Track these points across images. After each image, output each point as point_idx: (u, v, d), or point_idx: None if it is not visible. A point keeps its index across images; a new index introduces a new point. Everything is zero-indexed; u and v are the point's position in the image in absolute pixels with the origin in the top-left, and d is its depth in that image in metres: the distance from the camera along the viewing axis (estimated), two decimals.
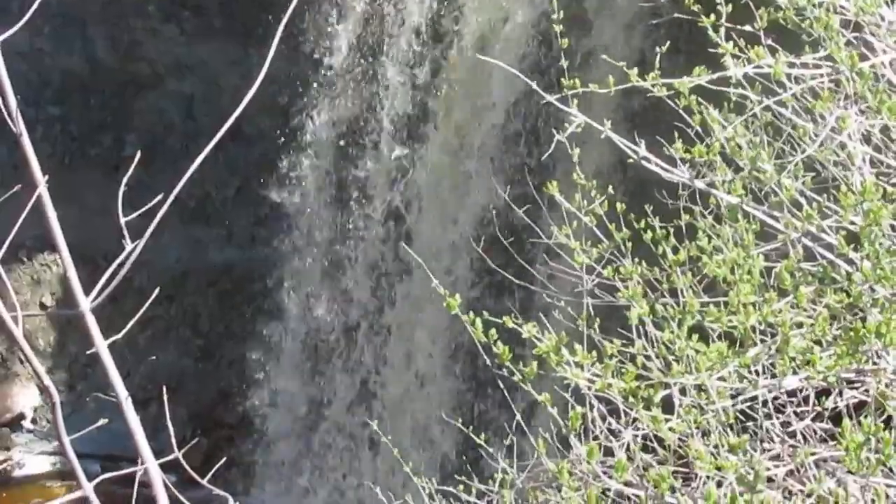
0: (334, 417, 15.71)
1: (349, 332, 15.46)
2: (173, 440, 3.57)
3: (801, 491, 4.65)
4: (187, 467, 3.48)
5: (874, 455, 4.21)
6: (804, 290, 4.70)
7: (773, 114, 5.41)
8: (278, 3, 12.95)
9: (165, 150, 16.19)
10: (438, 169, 14.49)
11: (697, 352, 4.66)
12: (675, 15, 6.12)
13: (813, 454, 4.71)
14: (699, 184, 5.28)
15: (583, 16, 12.44)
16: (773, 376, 4.68)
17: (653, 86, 5.36)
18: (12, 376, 17.28)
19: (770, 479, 4.72)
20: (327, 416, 15.79)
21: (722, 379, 4.66)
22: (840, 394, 4.89)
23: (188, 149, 16.11)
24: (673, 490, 4.52)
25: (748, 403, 4.80)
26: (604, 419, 5.14)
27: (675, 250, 5.17)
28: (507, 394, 5.88)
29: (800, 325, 4.71)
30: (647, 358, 4.87)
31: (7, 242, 3.40)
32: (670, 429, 4.66)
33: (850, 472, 4.38)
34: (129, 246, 3.12)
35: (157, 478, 2.96)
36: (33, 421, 17.33)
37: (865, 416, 4.37)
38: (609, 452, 4.96)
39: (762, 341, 4.69)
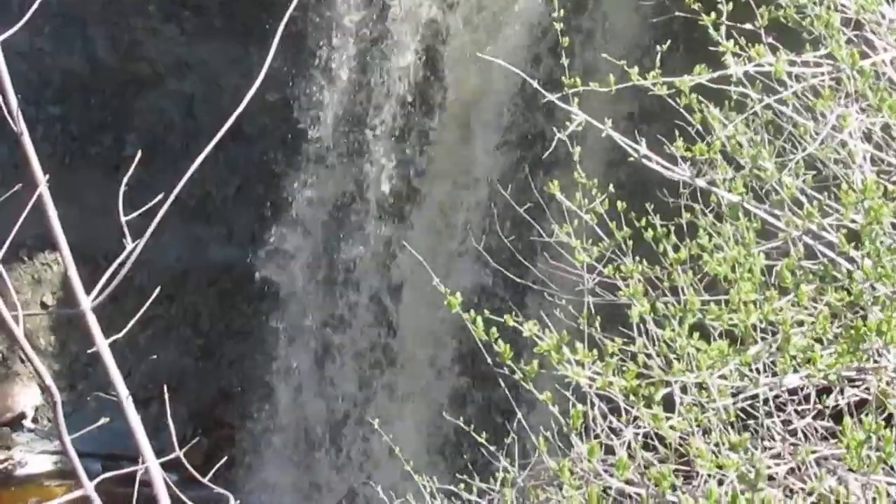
0: None
1: (337, 425, 15.43)
2: (174, 439, 3.57)
3: (802, 489, 4.64)
4: (188, 466, 3.49)
5: (875, 453, 4.20)
6: (805, 288, 4.70)
7: (773, 112, 5.40)
8: (279, 3, 12.95)
9: (166, 149, 16.19)
10: (423, 251, 14.39)
11: (698, 350, 4.66)
12: (676, 13, 6.12)
13: (814, 452, 4.71)
14: (700, 182, 5.28)
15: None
16: (774, 374, 4.68)
17: (653, 84, 5.36)
18: (13, 375, 17.29)
19: (771, 478, 4.72)
20: None
21: (723, 377, 4.66)
22: (841, 392, 4.89)
23: (188, 148, 16.12)
24: (674, 488, 4.52)
25: (749, 401, 4.80)
26: (605, 417, 5.14)
27: (676, 248, 5.17)
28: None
29: (801, 324, 4.71)
30: (648, 356, 4.87)
31: (8, 241, 3.40)
32: (671, 427, 4.66)
33: (851, 470, 4.38)
34: (129, 245, 3.12)
35: (158, 477, 2.96)
36: (34, 420, 17.34)
37: (866, 415, 4.37)
38: (610, 451, 4.96)
39: (763, 339, 4.69)
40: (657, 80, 5.36)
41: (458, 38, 13.80)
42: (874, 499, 4.30)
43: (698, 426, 4.67)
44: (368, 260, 14.94)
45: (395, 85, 14.36)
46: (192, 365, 17.04)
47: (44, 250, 16.98)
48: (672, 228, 5.33)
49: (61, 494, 3.51)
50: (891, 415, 4.59)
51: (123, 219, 3.19)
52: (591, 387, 4.85)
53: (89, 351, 3.03)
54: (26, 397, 17.32)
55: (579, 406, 4.86)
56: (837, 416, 4.71)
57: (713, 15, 5.45)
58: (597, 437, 5.08)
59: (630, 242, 5.48)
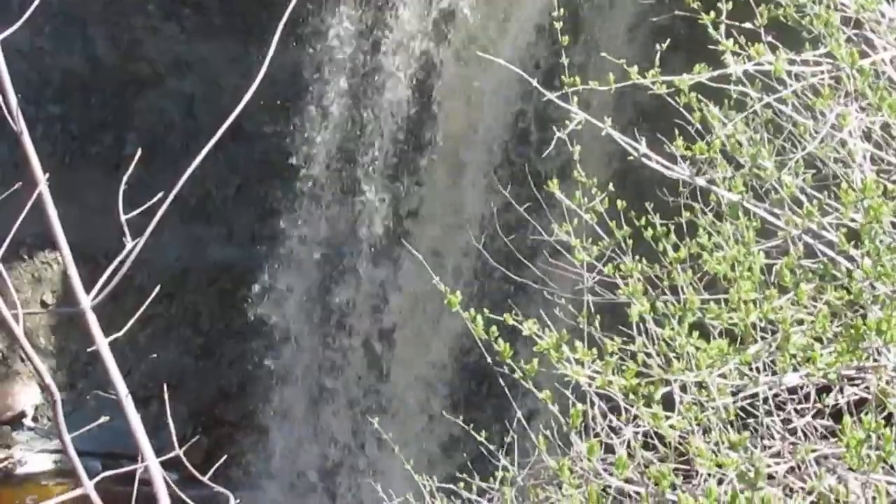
0: None
1: (330, 474, 15.39)
2: (174, 438, 3.57)
3: (802, 488, 4.65)
4: (188, 465, 3.49)
5: (875, 452, 4.20)
6: (805, 287, 4.70)
7: (773, 111, 5.41)
8: (279, 2, 12.96)
9: (166, 148, 16.19)
10: (414, 295, 14.33)
11: (698, 349, 4.66)
12: (676, 12, 6.12)
13: (813, 451, 4.71)
14: (700, 181, 5.28)
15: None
16: (774, 373, 4.68)
17: (653, 83, 5.36)
18: (13, 374, 17.29)
19: (771, 477, 4.72)
20: None
21: (722, 376, 4.66)
22: (841, 391, 4.89)
23: (188, 147, 16.11)
24: (674, 487, 4.52)
25: (749, 400, 4.80)
26: (604, 416, 5.14)
27: (676, 247, 5.17)
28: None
29: (800, 322, 4.71)
30: (648, 355, 4.87)
31: (8, 240, 3.40)
32: (671, 426, 4.66)
33: (850, 469, 4.38)
34: (129, 244, 3.12)
35: (158, 475, 2.96)
36: (34, 419, 17.34)
37: (866, 413, 4.36)
38: (610, 450, 4.96)
39: (763, 338, 4.69)
40: (657, 78, 5.36)
41: (449, 70, 13.73)
42: (874, 497, 4.30)
43: (698, 425, 4.67)
44: (361, 303, 14.92)
45: (387, 121, 14.32)
46: (192, 364, 17.04)
47: (44, 249, 16.98)
48: (672, 227, 5.33)
49: (61, 493, 3.51)
50: (890, 414, 4.59)
51: (123, 218, 3.19)
52: (590, 385, 4.85)
53: (89, 350, 3.03)
54: (26, 396, 17.33)
55: (579, 405, 4.86)
56: (837, 415, 4.71)
57: (713, 14, 5.45)
58: (596, 435, 5.08)
59: (630, 241, 5.48)
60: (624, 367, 4.75)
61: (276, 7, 14.23)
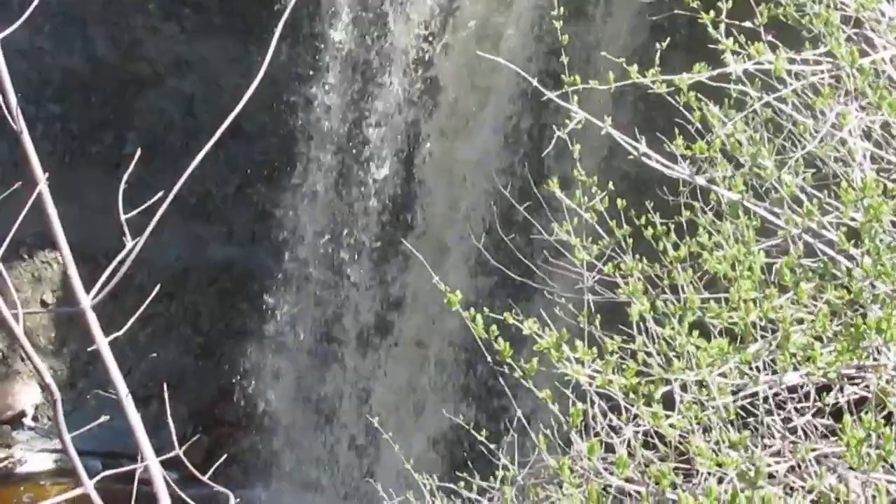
0: None
1: None
2: (174, 437, 3.57)
3: (802, 487, 4.64)
4: (188, 464, 3.49)
5: (875, 451, 4.20)
6: (805, 286, 4.70)
7: (773, 110, 5.40)
8: (278, 1, 12.97)
9: (166, 148, 16.19)
10: (397, 390, 14.27)
11: (698, 348, 4.66)
12: (676, 11, 6.12)
13: (814, 450, 4.71)
14: (700, 180, 5.28)
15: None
16: (774, 372, 4.68)
17: (653, 82, 5.36)
18: (13, 374, 17.29)
19: (771, 476, 4.72)
20: None
21: (723, 375, 4.65)
22: (841, 390, 4.89)
23: (188, 147, 16.12)
24: (674, 486, 4.52)
25: (749, 400, 4.80)
26: (605, 416, 5.14)
27: (676, 247, 5.17)
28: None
29: (800, 322, 4.71)
30: (648, 354, 4.86)
31: (8, 239, 3.40)
32: (671, 425, 4.66)
33: (850, 467, 4.38)
34: (129, 243, 3.12)
35: (158, 475, 2.96)
36: (34, 418, 17.34)
37: (866, 412, 4.36)
38: (610, 449, 4.96)
39: (763, 337, 4.69)
40: (656, 77, 5.36)
41: (434, 145, 13.68)
42: (874, 496, 4.30)
43: (698, 424, 4.67)
44: (347, 397, 14.88)
45: (372, 200, 14.27)
46: (192, 363, 17.04)
47: (44, 248, 16.97)
48: (672, 226, 5.33)
49: (61, 492, 3.51)
50: (890, 413, 4.59)
51: (123, 217, 3.19)
52: (590, 385, 4.85)
53: (89, 349, 3.03)
54: (26, 395, 17.32)
55: (579, 404, 4.86)
56: (837, 414, 4.71)
57: (712, 13, 5.45)
58: (597, 435, 5.08)
59: (630, 240, 5.48)
60: (624, 367, 4.75)
61: (275, 5, 14.26)
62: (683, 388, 4.78)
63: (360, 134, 14.28)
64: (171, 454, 3.32)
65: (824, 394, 4.97)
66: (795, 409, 5.06)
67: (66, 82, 16.98)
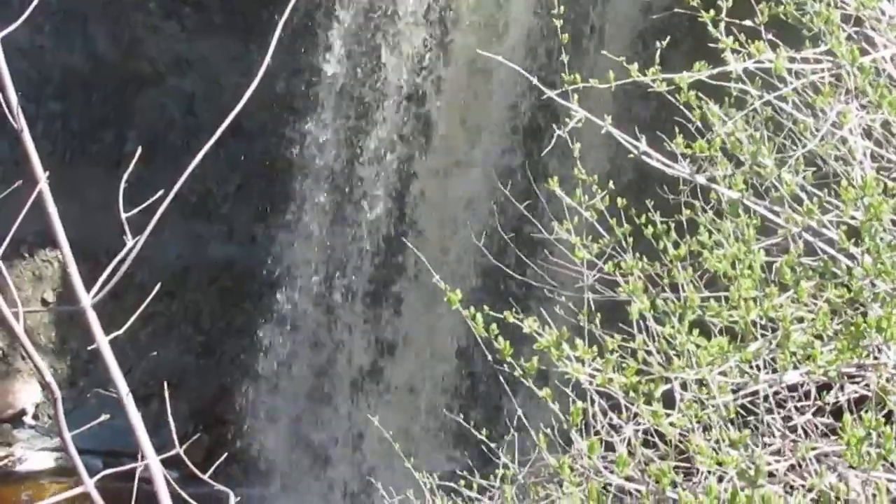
0: None
1: None
2: (175, 436, 3.57)
3: (803, 486, 4.64)
4: (189, 463, 3.49)
5: (875, 450, 4.20)
6: (805, 284, 4.70)
7: (773, 109, 5.40)
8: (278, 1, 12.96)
9: (166, 146, 16.18)
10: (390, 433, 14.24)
11: (698, 346, 4.66)
12: (676, 10, 6.12)
13: (814, 449, 4.71)
14: (700, 179, 5.28)
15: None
16: (774, 371, 4.68)
17: (653, 81, 5.36)
18: (14, 372, 17.29)
19: (771, 474, 4.72)
20: None
21: (723, 374, 4.66)
22: (841, 388, 4.89)
23: (189, 145, 16.11)
24: (674, 485, 4.52)
25: (749, 398, 4.80)
26: (605, 414, 5.14)
27: (676, 245, 5.17)
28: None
29: (800, 320, 4.71)
30: (648, 353, 4.87)
31: (8, 238, 3.40)
32: (671, 424, 4.66)
33: (851, 466, 4.38)
34: (129, 242, 3.12)
35: (159, 473, 2.96)
36: (35, 417, 17.33)
37: (866, 411, 4.36)
38: (610, 447, 4.96)
39: (763, 336, 4.69)
40: (657, 76, 5.36)
41: (425, 183, 13.65)
42: (874, 495, 4.30)
43: (698, 423, 4.67)
44: (341, 445, 14.88)
45: (365, 240, 14.24)
46: (193, 362, 17.03)
47: (44, 247, 16.97)
48: (672, 225, 5.33)
49: (62, 491, 3.52)
50: (891, 411, 4.59)
51: (124, 215, 3.18)
52: (590, 383, 4.85)
53: (90, 348, 3.03)
54: (27, 394, 17.32)
55: (579, 403, 4.86)
56: (837, 413, 4.71)
57: (713, 12, 5.45)
58: (597, 433, 5.08)
59: (630, 239, 5.48)
60: (624, 365, 4.75)
61: (276, 4, 14.26)
62: (683, 386, 4.78)
63: (352, 171, 14.29)
64: (172, 453, 3.32)
65: (824, 392, 4.97)
66: (795, 407, 5.06)
67: (66, 81, 16.98)
